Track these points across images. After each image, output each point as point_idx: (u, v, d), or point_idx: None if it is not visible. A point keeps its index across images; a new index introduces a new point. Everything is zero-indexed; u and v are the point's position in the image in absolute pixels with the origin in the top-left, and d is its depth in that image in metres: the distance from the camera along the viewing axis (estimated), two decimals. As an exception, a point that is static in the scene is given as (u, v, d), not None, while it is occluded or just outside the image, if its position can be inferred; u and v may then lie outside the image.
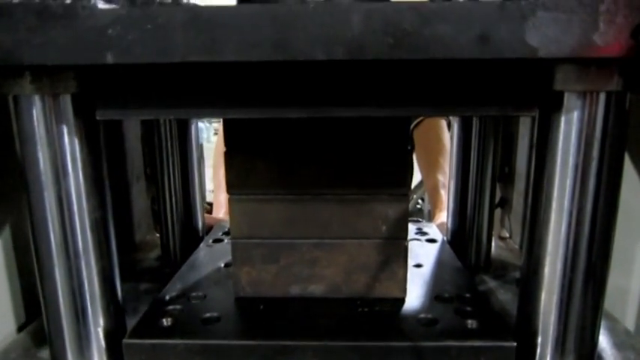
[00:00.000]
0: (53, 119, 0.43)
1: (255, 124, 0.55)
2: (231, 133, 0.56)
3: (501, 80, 0.42)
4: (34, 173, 0.44)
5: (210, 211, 1.36)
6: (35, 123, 0.43)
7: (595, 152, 0.41)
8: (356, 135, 0.55)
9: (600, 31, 0.34)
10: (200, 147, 0.82)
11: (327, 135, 0.55)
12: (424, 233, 0.81)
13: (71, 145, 0.44)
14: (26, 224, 0.47)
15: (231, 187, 0.57)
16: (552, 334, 0.47)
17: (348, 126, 0.55)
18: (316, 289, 0.58)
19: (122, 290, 0.53)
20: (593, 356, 0.48)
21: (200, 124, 0.88)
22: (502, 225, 0.86)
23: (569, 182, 0.42)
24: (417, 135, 1.32)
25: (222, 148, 0.61)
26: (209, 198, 1.53)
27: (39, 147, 0.44)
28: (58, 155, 0.44)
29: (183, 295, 0.59)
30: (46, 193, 0.45)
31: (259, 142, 0.56)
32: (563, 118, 0.41)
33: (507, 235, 0.86)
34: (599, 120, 0.40)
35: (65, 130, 0.44)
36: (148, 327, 0.52)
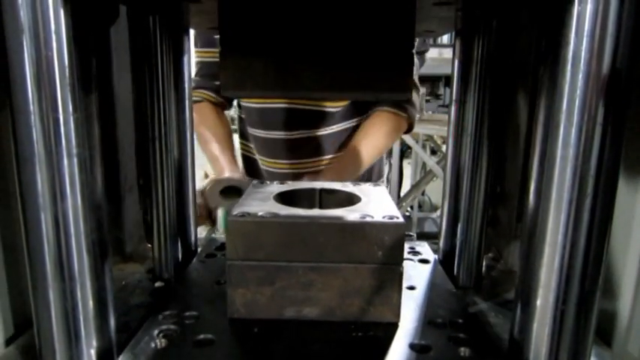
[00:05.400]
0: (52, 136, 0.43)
1: (251, 22, 0.54)
2: (226, 31, 0.55)
3: None
4: (32, 195, 0.44)
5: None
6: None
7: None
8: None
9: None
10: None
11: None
12: (417, 253, 0.82)
13: (70, 167, 0.44)
14: (14, 231, 0.46)
15: (226, 87, 0.56)
16: (544, 362, 0.47)
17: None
18: (311, 312, 0.58)
19: (114, 305, 0.52)
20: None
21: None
22: (493, 245, 0.86)
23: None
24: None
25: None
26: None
27: (37, 168, 0.43)
28: (57, 176, 0.44)
29: (177, 315, 0.58)
30: (42, 215, 0.45)
31: (256, 40, 0.55)
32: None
33: (498, 255, 0.87)
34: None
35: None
36: (142, 349, 0.52)
